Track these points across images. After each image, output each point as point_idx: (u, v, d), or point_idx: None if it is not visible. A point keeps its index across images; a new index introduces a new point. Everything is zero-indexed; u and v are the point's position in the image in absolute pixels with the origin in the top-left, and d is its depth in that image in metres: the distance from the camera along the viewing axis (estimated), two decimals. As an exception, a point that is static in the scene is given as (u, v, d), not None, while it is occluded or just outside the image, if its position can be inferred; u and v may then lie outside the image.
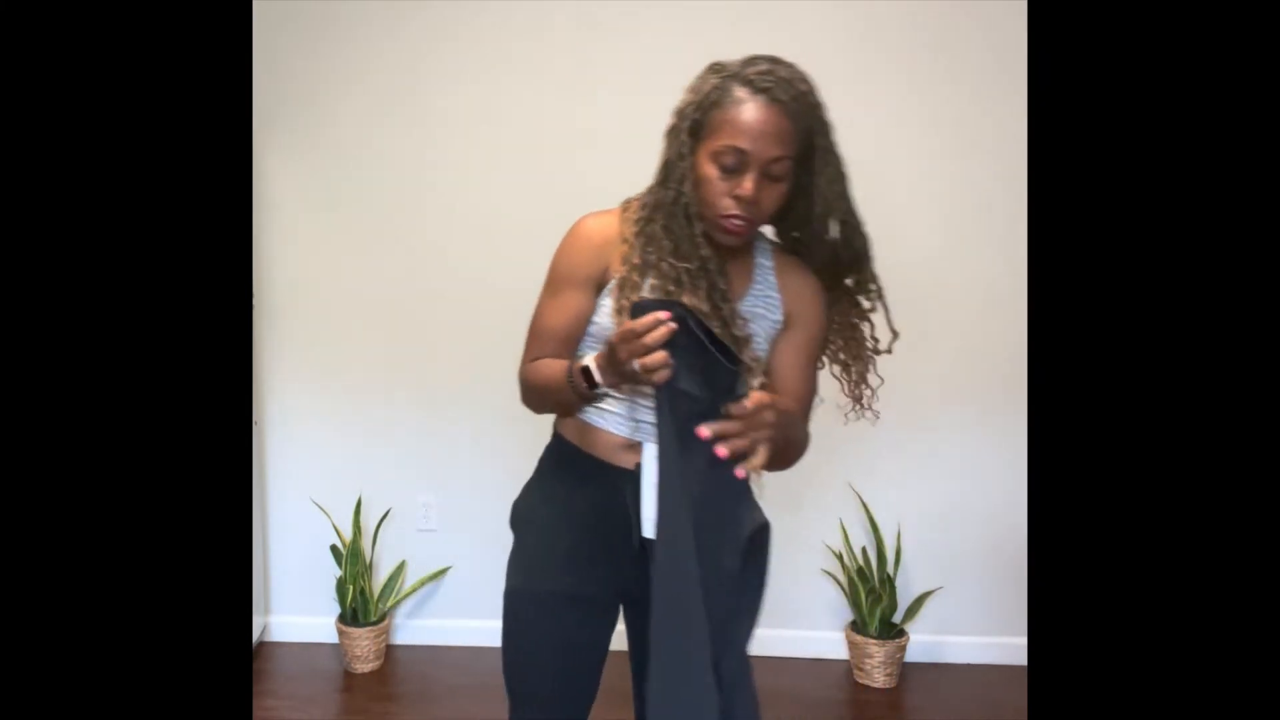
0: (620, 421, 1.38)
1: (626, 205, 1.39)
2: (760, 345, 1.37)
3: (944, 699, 2.69)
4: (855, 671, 2.78)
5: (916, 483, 2.83)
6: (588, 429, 1.41)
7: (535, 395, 1.43)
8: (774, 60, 1.28)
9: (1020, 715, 2.50)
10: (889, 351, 1.46)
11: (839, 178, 1.34)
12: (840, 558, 2.81)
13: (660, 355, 1.17)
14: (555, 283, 1.41)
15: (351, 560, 2.78)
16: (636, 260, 1.31)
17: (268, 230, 2.79)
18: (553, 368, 1.37)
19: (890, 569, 2.74)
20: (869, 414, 1.52)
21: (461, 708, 2.57)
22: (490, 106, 2.69)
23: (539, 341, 1.43)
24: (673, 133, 1.32)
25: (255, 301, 2.82)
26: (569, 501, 1.43)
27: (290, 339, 2.85)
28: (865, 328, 1.48)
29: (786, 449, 1.33)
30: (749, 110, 1.24)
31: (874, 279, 1.42)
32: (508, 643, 1.48)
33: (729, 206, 1.28)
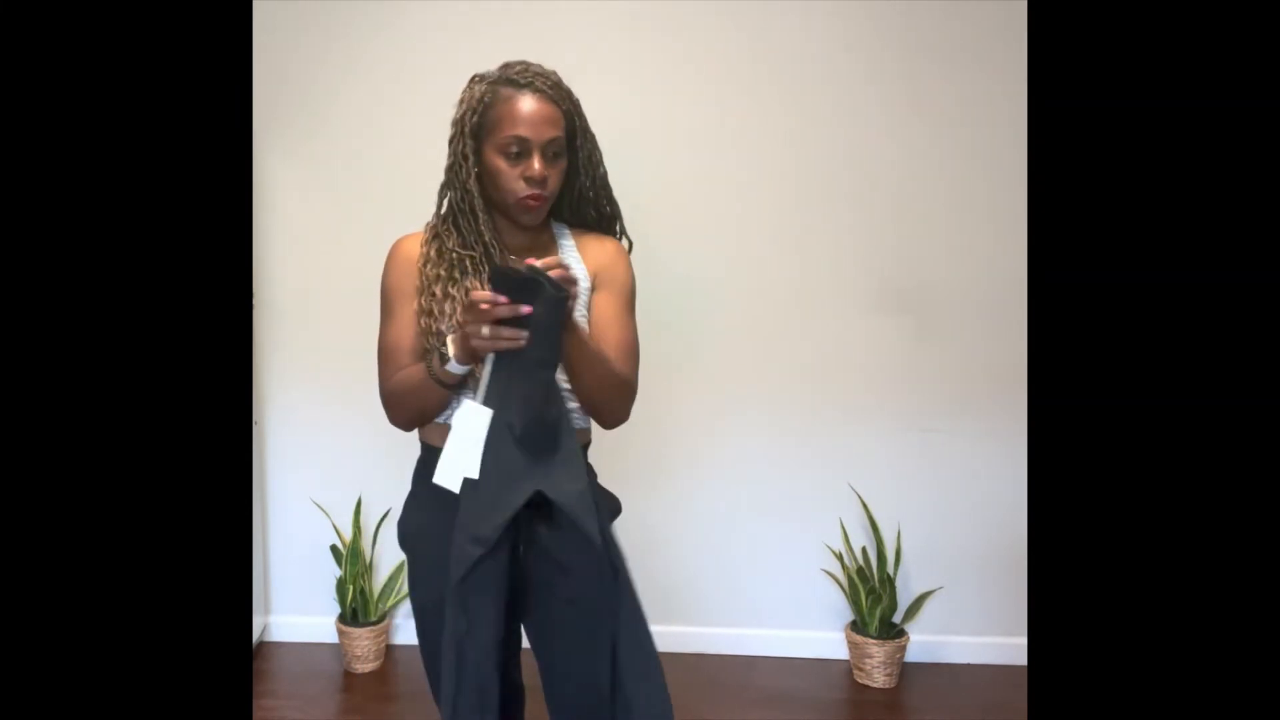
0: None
1: (428, 226, 1.54)
2: (580, 311, 1.49)
3: (944, 699, 2.69)
4: (855, 671, 2.78)
5: (916, 483, 2.83)
6: (450, 427, 1.47)
7: (401, 404, 1.50)
8: (525, 61, 1.47)
9: (1020, 715, 2.50)
10: None
11: (595, 151, 1.53)
12: (840, 558, 2.81)
13: (513, 330, 1.31)
14: (389, 303, 1.53)
15: (351, 560, 2.78)
16: (433, 255, 1.48)
17: (268, 230, 2.79)
18: (413, 371, 1.46)
19: (890, 569, 2.74)
20: None
21: (461, 708, 2.57)
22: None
23: (391, 360, 1.51)
24: (454, 141, 1.47)
25: (255, 301, 2.82)
26: (447, 502, 1.44)
27: (290, 339, 2.85)
28: None
29: (606, 389, 1.47)
30: (521, 103, 1.42)
31: (625, 236, 1.61)
32: (430, 658, 1.52)
33: (522, 188, 1.44)
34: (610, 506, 1.55)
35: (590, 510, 1.38)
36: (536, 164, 1.42)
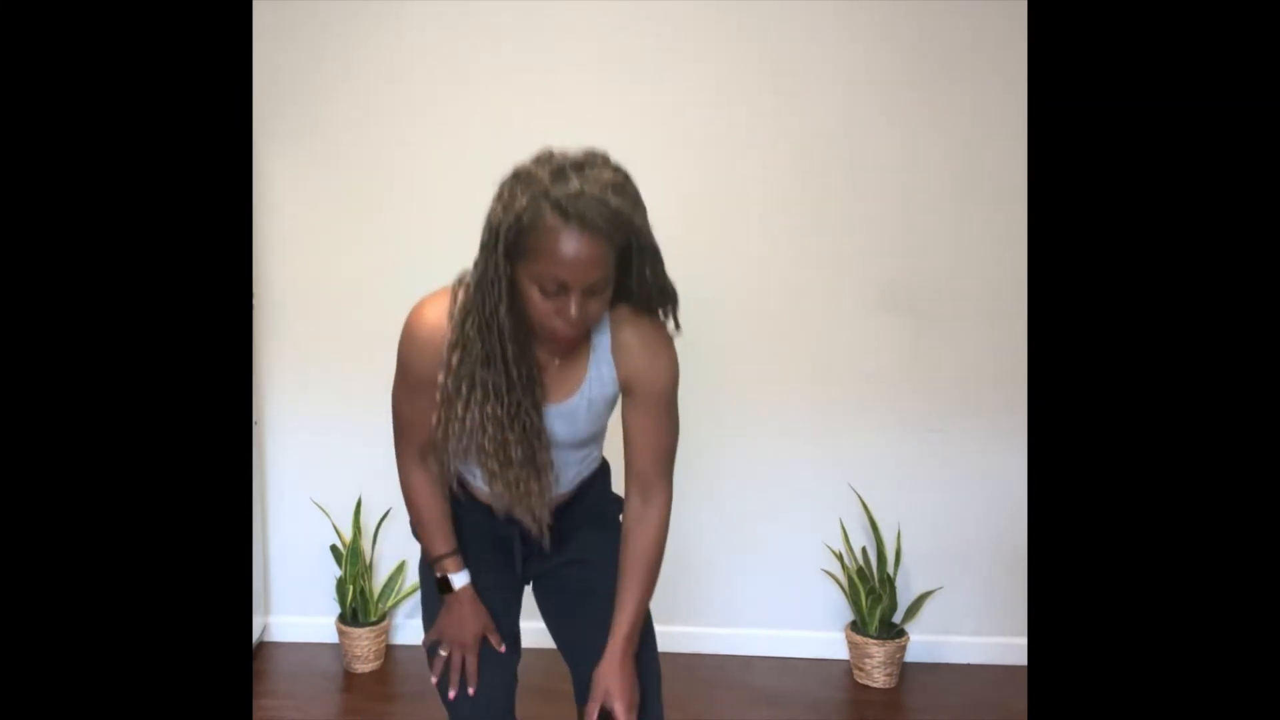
0: (483, 485, 1.48)
1: (460, 280, 1.38)
2: (600, 416, 1.46)
3: (944, 699, 2.69)
4: (855, 671, 2.78)
5: (916, 483, 2.83)
6: (467, 484, 1.55)
7: (410, 515, 1.58)
8: (579, 168, 1.22)
9: (1020, 715, 2.50)
10: None
11: (656, 262, 1.34)
12: (840, 558, 2.81)
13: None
14: (407, 378, 1.43)
15: (351, 560, 2.78)
16: (454, 364, 1.34)
17: (268, 230, 2.79)
18: (429, 527, 1.55)
19: (890, 569, 2.74)
20: None
21: (461, 708, 2.57)
22: (492, 109, 2.69)
23: (408, 434, 1.48)
24: (486, 249, 1.28)
25: (255, 301, 2.82)
26: (456, 515, 1.56)
27: (290, 339, 2.85)
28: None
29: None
30: (564, 242, 1.20)
31: (674, 318, 1.42)
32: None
33: (558, 326, 1.27)
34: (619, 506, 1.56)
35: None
36: (574, 308, 1.24)
